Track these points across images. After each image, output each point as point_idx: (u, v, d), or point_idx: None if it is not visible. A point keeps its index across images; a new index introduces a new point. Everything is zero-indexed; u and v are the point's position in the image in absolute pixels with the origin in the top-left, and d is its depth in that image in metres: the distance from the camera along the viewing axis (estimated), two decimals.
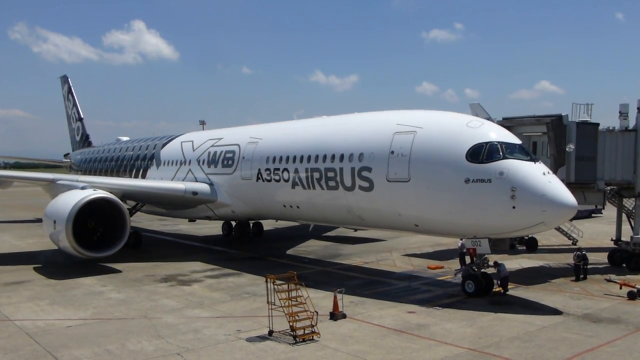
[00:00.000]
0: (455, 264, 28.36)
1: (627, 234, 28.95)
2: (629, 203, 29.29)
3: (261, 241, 40.37)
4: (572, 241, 34.96)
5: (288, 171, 28.28)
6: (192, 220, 43.74)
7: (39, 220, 40.61)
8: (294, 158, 28.07)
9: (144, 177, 40.98)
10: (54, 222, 27.56)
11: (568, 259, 30.60)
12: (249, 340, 16.97)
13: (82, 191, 28.84)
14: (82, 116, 63.25)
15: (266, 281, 17.87)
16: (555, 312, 20.08)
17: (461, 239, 25.68)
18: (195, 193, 33.61)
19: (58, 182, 34.24)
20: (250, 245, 38.08)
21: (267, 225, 43.43)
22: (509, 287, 23.19)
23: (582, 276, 25.49)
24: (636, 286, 22.34)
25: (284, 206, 29.57)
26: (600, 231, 41.71)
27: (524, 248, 33.31)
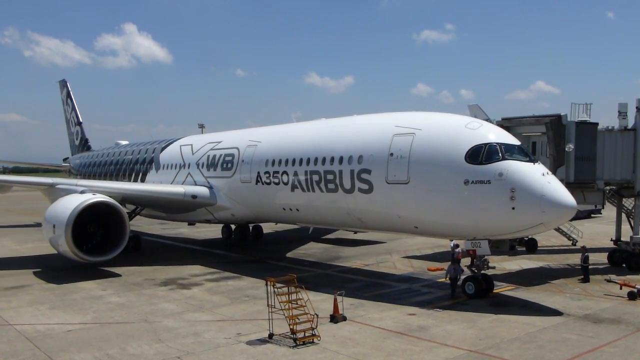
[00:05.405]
0: None
1: (626, 234, 28.95)
2: (628, 203, 29.30)
3: (261, 244, 40.35)
4: (571, 242, 34.95)
5: (287, 174, 28.27)
6: (191, 223, 43.73)
7: (39, 225, 40.61)
8: (293, 161, 28.07)
9: (143, 180, 40.93)
10: (54, 226, 27.51)
11: (568, 260, 30.68)
12: (250, 343, 16.94)
13: (81, 195, 28.78)
14: (81, 120, 63.21)
15: (266, 284, 17.83)
16: (555, 312, 20.07)
17: (451, 240, 25.66)
18: (194, 196, 33.58)
19: (57, 186, 34.19)
20: (250, 249, 38.06)
21: (267, 228, 43.40)
22: (508, 288, 23.13)
23: (582, 277, 25.52)
24: (636, 286, 22.33)
25: (284, 209, 29.55)
26: (599, 231, 41.73)
27: (524, 249, 33.27)
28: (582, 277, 25.49)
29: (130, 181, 42.37)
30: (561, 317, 19.47)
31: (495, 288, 22.95)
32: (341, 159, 25.40)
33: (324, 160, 26.32)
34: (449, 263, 23.55)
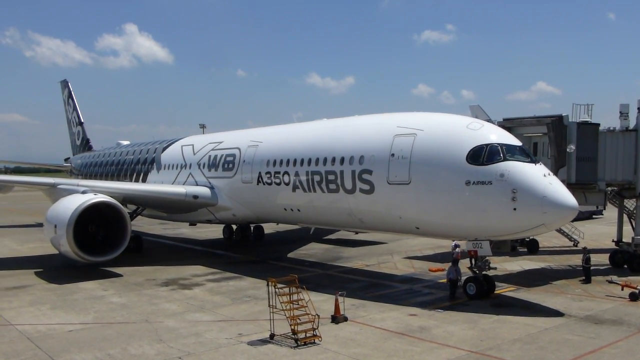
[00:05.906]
0: None
1: (628, 235, 28.94)
2: (630, 204, 29.29)
3: (262, 244, 40.36)
4: (573, 243, 34.93)
5: (289, 174, 28.28)
6: (193, 224, 43.78)
7: (40, 225, 40.60)
8: (295, 161, 28.07)
9: (144, 181, 40.96)
10: (55, 226, 27.52)
11: (569, 261, 30.65)
12: (251, 343, 16.95)
13: (82, 195, 28.80)
14: (82, 120, 63.31)
15: (267, 284, 17.84)
16: (557, 313, 20.06)
17: (453, 241, 25.70)
18: (195, 197, 33.59)
19: (59, 186, 34.24)
20: (251, 249, 38.07)
21: (268, 228, 43.41)
22: (510, 289, 23.11)
23: (584, 278, 25.51)
24: (638, 287, 22.30)
25: (285, 209, 29.56)
26: (601, 232, 41.68)
27: (525, 250, 33.28)
28: (584, 278, 25.49)
29: (131, 181, 42.41)
30: (562, 318, 19.45)
31: (496, 289, 22.92)
32: (342, 160, 25.40)
33: (325, 160, 26.32)
34: (450, 264, 23.56)
